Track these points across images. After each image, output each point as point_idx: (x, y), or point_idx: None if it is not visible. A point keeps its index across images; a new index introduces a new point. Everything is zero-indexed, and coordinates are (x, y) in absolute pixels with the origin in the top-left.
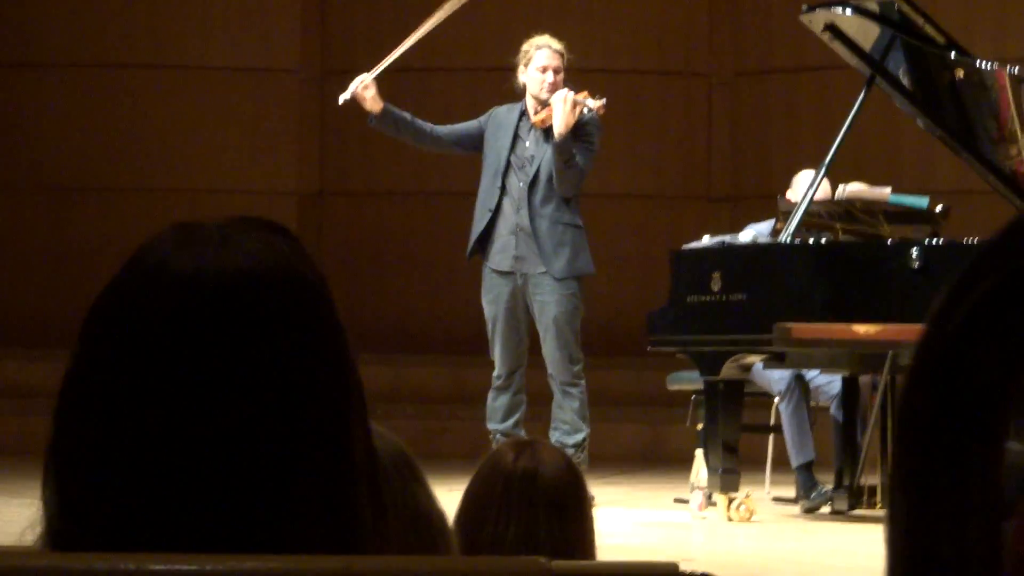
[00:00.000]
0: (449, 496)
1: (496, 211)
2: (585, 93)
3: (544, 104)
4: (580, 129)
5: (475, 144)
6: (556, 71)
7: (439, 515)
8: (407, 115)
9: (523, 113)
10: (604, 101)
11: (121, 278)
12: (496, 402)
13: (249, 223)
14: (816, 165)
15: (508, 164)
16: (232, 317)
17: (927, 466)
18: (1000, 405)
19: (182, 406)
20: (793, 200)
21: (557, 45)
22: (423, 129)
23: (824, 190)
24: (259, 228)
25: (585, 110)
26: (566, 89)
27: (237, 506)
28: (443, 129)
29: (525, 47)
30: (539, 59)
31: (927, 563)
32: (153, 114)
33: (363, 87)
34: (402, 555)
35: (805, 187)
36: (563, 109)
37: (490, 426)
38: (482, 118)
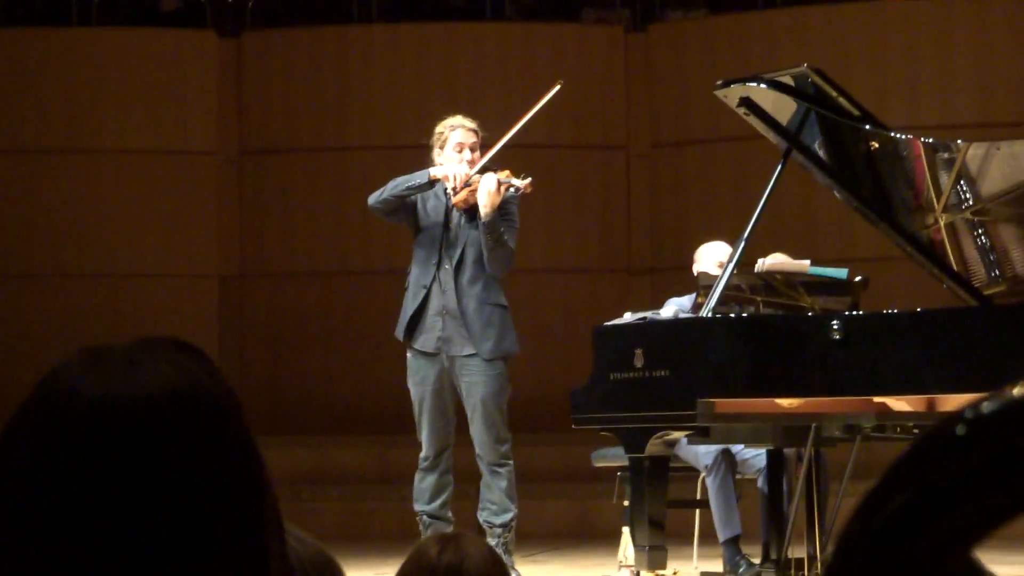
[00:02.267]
0: None
1: (428, 290)
2: (507, 172)
3: (465, 184)
4: (503, 207)
5: (408, 216)
6: (472, 148)
7: None
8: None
9: (445, 192)
10: (530, 180)
11: (31, 404)
12: (423, 483)
13: (158, 344)
14: (734, 235)
15: (441, 244)
16: (143, 443)
17: None
18: None
19: (94, 533)
20: (703, 272)
21: (471, 124)
22: None
23: (722, 260)
24: (167, 348)
25: (512, 190)
26: (491, 172)
27: None
28: None
29: (439, 129)
30: (455, 139)
31: None
32: (70, 198)
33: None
34: None
35: (709, 260)
36: (489, 190)
37: (417, 507)
38: None
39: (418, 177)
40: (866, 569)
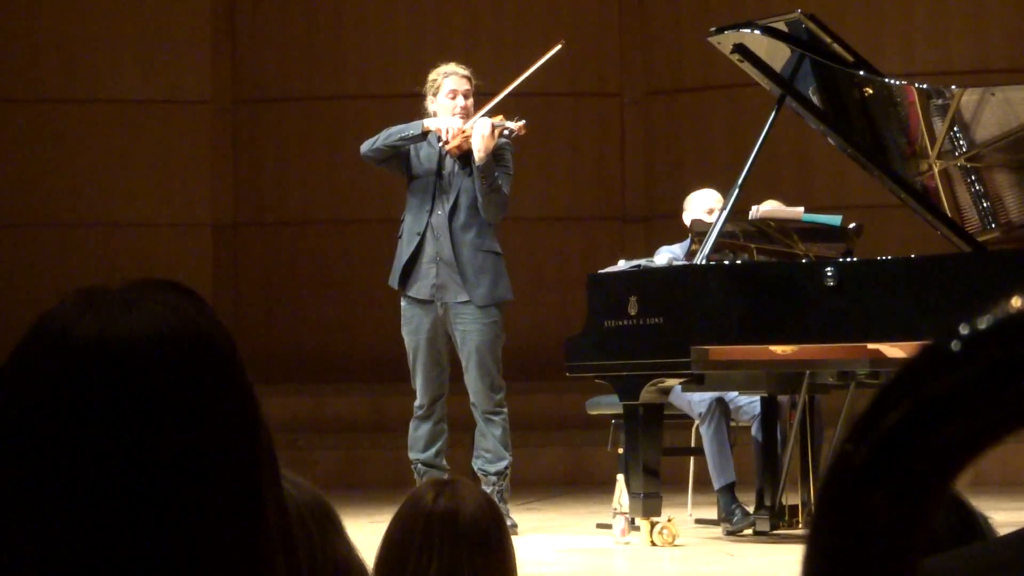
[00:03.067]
0: (371, 527)
1: (422, 237)
2: (501, 116)
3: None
4: (496, 153)
5: (401, 164)
6: (466, 95)
7: (358, 565)
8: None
9: (438, 139)
10: (524, 122)
11: (25, 345)
12: (418, 432)
13: (153, 285)
14: (729, 183)
15: (434, 191)
16: (138, 383)
17: None
18: (906, 545)
19: (89, 474)
20: (696, 220)
21: (464, 70)
22: None
23: (711, 207)
24: (164, 290)
25: (505, 132)
26: (485, 117)
27: None
28: None
29: (432, 76)
30: (448, 85)
31: None
32: (64, 148)
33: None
34: None
35: (698, 207)
36: (483, 134)
37: (412, 456)
38: None
39: (412, 128)
40: (860, 489)
